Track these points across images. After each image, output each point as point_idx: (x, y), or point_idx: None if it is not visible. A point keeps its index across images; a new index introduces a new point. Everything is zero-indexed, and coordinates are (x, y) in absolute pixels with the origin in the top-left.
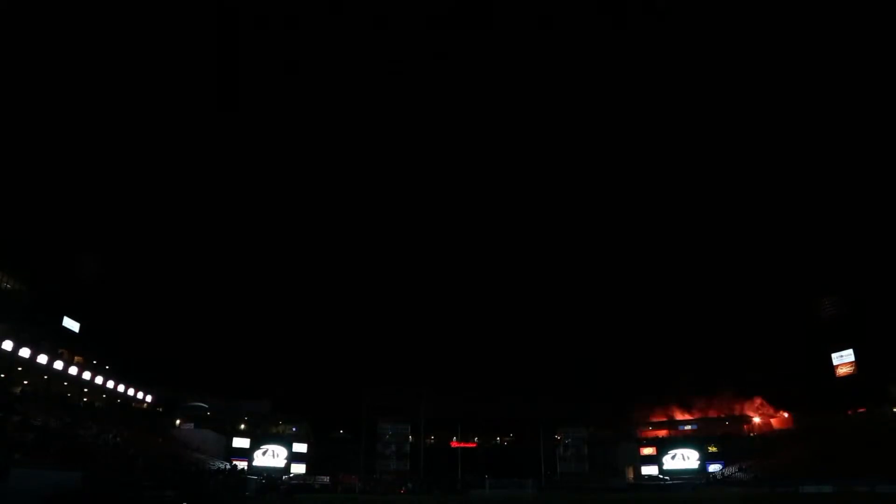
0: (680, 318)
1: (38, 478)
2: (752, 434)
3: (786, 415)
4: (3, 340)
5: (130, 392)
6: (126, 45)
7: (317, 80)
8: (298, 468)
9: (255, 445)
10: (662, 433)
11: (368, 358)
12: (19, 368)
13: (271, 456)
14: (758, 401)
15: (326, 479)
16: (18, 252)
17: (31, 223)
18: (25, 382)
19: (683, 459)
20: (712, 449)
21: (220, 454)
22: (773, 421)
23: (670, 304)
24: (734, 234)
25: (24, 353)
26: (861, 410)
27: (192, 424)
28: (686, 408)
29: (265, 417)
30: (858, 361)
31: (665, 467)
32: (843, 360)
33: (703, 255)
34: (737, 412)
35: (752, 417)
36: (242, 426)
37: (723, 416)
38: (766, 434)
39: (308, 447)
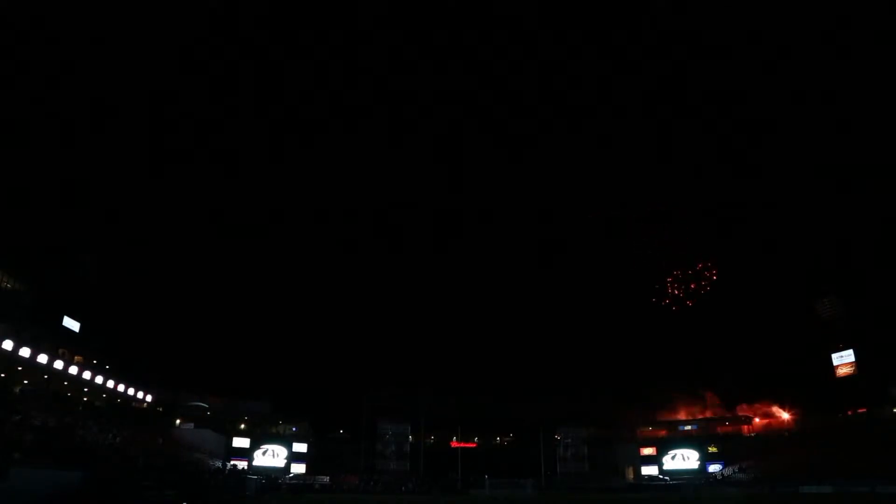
0: (681, 319)
1: (38, 478)
2: (752, 434)
3: (786, 415)
4: (3, 340)
5: (130, 392)
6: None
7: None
8: (298, 468)
9: (255, 445)
10: (662, 433)
11: (369, 358)
12: (19, 368)
13: (271, 456)
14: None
15: (326, 479)
16: (18, 252)
17: (31, 223)
18: (25, 382)
19: (683, 460)
20: (712, 449)
21: (220, 454)
22: (772, 421)
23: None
24: (734, 235)
25: (24, 352)
26: (861, 411)
27: (192, 424)
28: (686, 408)
29: (265, 417)
30: (858, 362)
31: (665, 467)
32: (843, 360)
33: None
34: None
35: (752, 417)
36: (242, 426)
37: (723, 416)
38: (766, 434)
39: (308, 447)
